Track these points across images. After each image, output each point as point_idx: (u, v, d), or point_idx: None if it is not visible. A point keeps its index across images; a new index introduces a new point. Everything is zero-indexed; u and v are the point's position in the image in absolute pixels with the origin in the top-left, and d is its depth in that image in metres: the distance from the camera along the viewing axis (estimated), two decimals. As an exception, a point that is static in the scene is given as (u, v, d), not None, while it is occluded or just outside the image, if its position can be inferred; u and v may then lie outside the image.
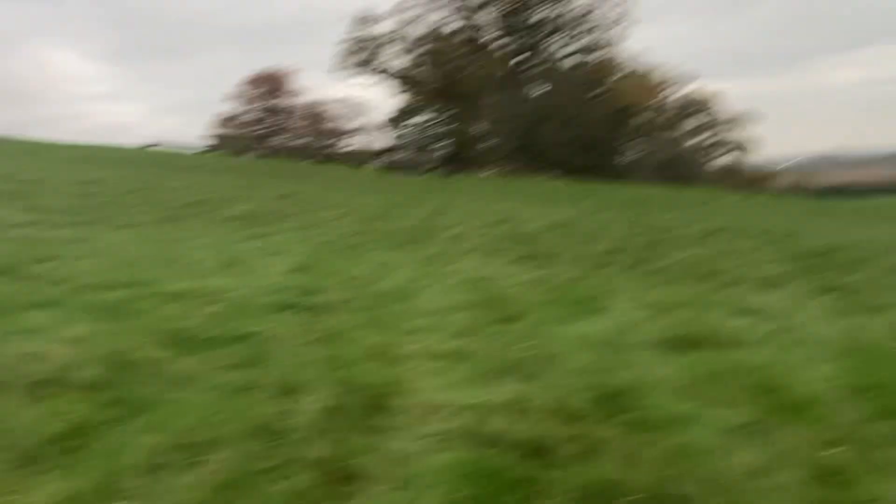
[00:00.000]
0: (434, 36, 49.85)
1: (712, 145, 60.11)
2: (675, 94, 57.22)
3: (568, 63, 50.91)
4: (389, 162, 35.10)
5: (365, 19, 49.72)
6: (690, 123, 60.06)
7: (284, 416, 2.78)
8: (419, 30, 50.82)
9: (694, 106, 58.76)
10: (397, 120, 59.01)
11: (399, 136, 61.41)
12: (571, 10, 48.93)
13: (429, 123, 61.50)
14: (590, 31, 49.24)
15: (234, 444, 2.51)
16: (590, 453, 2.67)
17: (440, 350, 4.01)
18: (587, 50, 50.24)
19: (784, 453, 2.84)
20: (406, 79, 51.89)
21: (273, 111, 70.50)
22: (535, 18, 49.40)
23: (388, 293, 5.94)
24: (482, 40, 50.53)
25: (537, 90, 47.31)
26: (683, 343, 4.76)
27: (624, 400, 3.39)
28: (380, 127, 66.70)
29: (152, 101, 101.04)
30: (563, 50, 51.21)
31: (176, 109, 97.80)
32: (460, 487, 2.29)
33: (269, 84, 69.16)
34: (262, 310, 4.91)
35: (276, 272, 7.03)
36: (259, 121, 70.68)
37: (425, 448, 2.62)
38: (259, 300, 5.20)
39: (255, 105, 70.27)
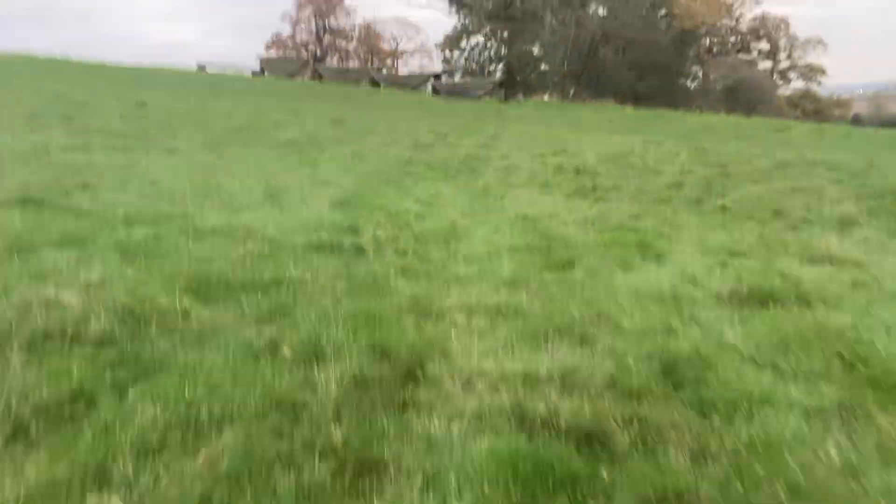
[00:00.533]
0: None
1: (780, 71, 57.16)
2: (742, 17, 54.25)
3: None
4: (444, 85, 34.21)
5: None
6: (758, 48, 57.07)
7: (305, 389, 2.46)
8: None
9: (761, 29, 55.69)
10: (452, 42, 57.64)
11: (454, 59, 60.15)
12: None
13: (484, 46, 60.06)
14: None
15: (244, 422, 2.21)
16: (653, 443, 2.29)
17: (485, 304, 3.63)
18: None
19: (882, 446, 2.41)
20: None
21: (327, 32, 69.80)
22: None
23: (434, 232, 5.56)
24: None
25: (597, 11, 45.13)
26: (753, 298, 4.27)
27: (690, 371, 2.98)
28: (434, 49, 65.74)
29: (207, 21, 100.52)
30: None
31: (230, 30, 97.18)
32: (501, 486, 1.94)
33: (324, 4, 68.23)
34: (298, 250, 4.59)
35: (319, 206, 6.72)
36: (312, 42, 70.13)
37: (462, 431, 2.27)
38: (296, 239, 4.89)
39: (308, 25, 69.73)
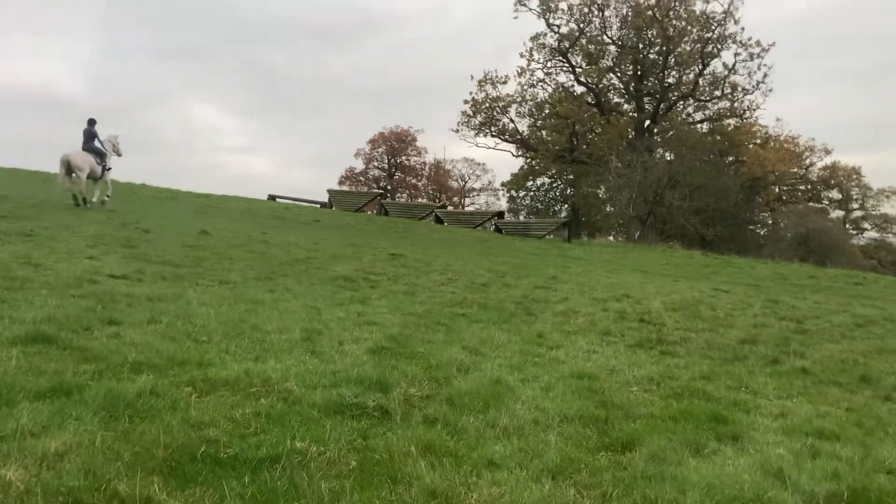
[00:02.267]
0: (558, 99, 49.21)
1: (853, 221, 55.74)
2: (812, 167, 53.71)
3: (700, 129, 48.93)
4: (507, 223, 34.32)
5: (487, 81, 49.74)
6: (828, 197, 56.07)
7: None
8: (543, 92, 50.41)
9: (832, 179, 54.88)
10: (518, 181, 58.72)
11: (518, 199, 61.06)
12: (706, 75, 47.04)
13: (549, 186, 60.94)
14: (724, 96, 47.08)
15: None
16: None
17: (521, 504, 2.92)
18: (720, 116, 48.10)
19: None
20: (527, 141, 51.42)
21: (396, 168, 72.38)
22: (667, 82, 47.82)
23: (474, 393, 4.90)
24: (609, 103, 49.46)
25: (667, 156, 45.45)
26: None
27: None
28: (500, 188, 67.11)
29: (283, 155, 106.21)
30: (695, 115, 49.37)
31: (307, 163, 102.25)
32: None
33: (395, 142, 71.20)
34: (314, 411, 4.00)
35: (355, 352, 6.20)
36: (383, 177, 72.64)
37: None
38: (316, 396, 4.31)
39: (379, 162, 72.55)
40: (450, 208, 47.79)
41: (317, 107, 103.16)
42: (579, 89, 50.11)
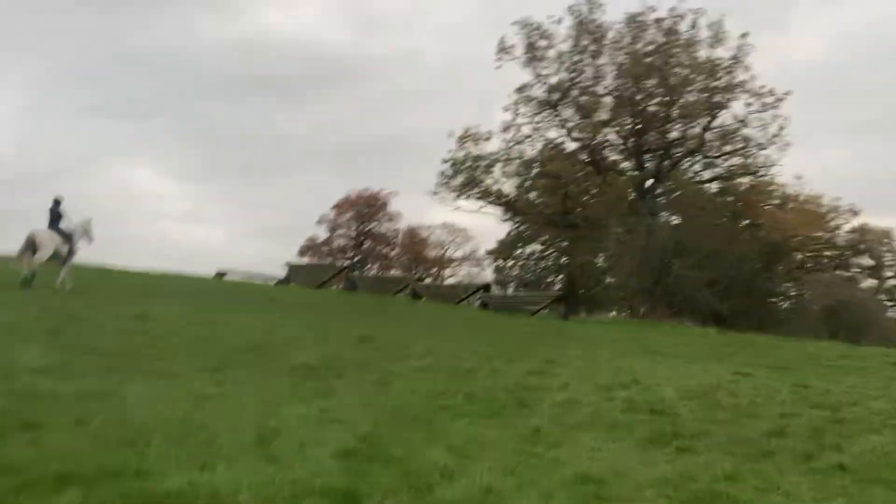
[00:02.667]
0: (549, 156, 50.08)
1: (888, 290, 56.34)
2: (839, 229, 54.52)
3: (710, 188, 49.76)
4: (494, 298, 34.42)
5: (469, 138, 50.59)
6: (858, 264, 56.79)
7: None
8: (531, 149, 51.30)
9: (861, 243, 55.66)
10: (505, 250, 59.20)
11: (506, 269, 61.41)
12: (715, 128, 48.12)
13: (542, 255, 61.45)
14: (736, 151, 48.10)
15: None
16: None
17: None
18: (732, 174, 49.06)
19: None
20: (516, 203, 52.01)
21: (366, 237, 72.77)
22: (671, 136, 48.86)
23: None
24: (606, 161, 50.42)
25: (673, 219, 46.07)
26: None
27: None
28: (485, 258, 67.54)
29: (235, 224, 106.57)
30: (703, 173, 50.32)
31: (259, 234, 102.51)
32: None
33: (364, 207, 71.81)
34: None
35: (319, 456, 6.12)
36: (350, 247, 72.89)
37: None
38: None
39: (346, 230, 72.96)
40: (428, 281, 48.02)
41: (272, 170, 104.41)
42: (572, 145, 51.15)
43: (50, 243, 20.10)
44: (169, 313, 16.52)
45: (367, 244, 73.32)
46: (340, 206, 71.70)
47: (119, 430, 6.32)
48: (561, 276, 58.00)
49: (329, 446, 6.57)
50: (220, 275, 35.73)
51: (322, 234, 72.39)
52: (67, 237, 20.61)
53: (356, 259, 67.83)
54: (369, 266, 71.71)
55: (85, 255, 22.92)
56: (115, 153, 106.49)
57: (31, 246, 19.83)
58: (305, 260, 66.92)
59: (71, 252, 20.92)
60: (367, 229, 72.98)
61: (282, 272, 37.07)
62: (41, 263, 20.05)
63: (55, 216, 20.82)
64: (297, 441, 6.69)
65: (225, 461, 5.63)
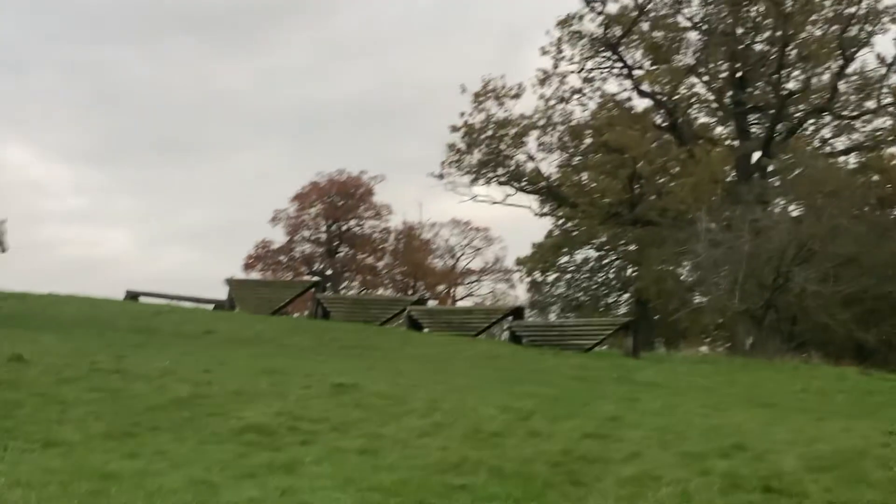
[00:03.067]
0: (607, 120, 50.05)
1: None
2: None
3: (845, 163, 49.38)
4: (529, 328, 34.31)
5: (489, 94, 50.53)
6: None
7: None
8: (582, 110, 51.30)
9: None
10: (544, 258, 59.19)
11: (546, 286, 61.32)
12: (851, 76, 47.77)
13: (598, 264, 61.35)
14: (882, 109, 47.83)
15: None
16: None
17: None
18: (878, 142, 48.83)
19: None
20: (560, 189, 52.05)
21: (341, 240, 72.99)
22: (785, 88, 48.56)
23: None
24: (692, 125, 50.34)
25: (792, 210, 45.74)
26: None
27: None
28: (515, 269, 67.28)
29: (150, 225, 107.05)
30: (835, 141, 50.03)
31: (186, 238, 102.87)
32: None
33: (338, 197, 72.09)
34: None
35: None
36: (319, 256, 73.08)
37: None
38: None
39: (313, 231, 73.15)
40: (432, 304, 47.95)
41: (204, 145, 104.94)
42: (641, 104, 51.15)
43: None
44: (57, 352, 16.57)
45: (343, 251, 73.65)
46: (304, 198, 72.10)
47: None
48: (627, 295, 58.11)
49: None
50: (133, 296, 35.76)
51: (278, 237, 72.86)
52: None
53: (327, 273, 68.05)
54: (347, 283, 72.03)
55: None
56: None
57: None
58: (255, 275, 67.19)
59: None
60: (342, 229, 73.34)
61: (221, 293, 37.07)
62: None
63: None
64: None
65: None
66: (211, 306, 36.51)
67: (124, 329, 24.99)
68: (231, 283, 37.73)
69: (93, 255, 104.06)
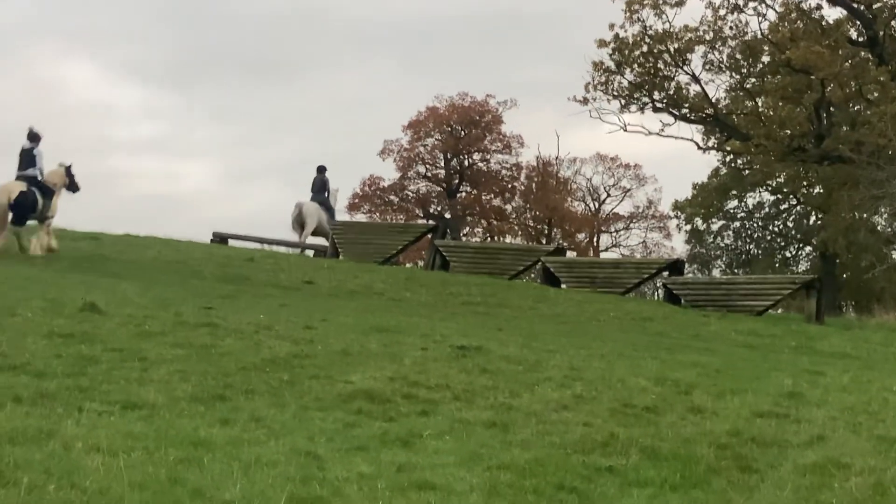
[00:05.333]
0: (790, 34, 49.01)
1: None
2: None
3: None
4: (687, 285, 34.04)
5: (646, 2, 49.75)
6: None
7: None
8: (758, 21, 50.32)
9: None
10: (709, 202, 58.43)
11: (710, 236, 60.63)
12: None
13: (775, 210, 60.37)
14: None
15: None
16: None
17: None
18: None
19: None
20: (730, 119, 51.30)
21: (463, 177, 72.97)
22: None
23: None
24: (893, 42, 49.03)
25: None
26: None
27: None
28: (672, 216, 66.53)
29: (239, 158, 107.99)
30: None
31: (280, 173, 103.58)
32: None
33: (460, 126, 71.94)
34: None
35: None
36: (437, 196, 73.27)
37: None
38: None
39: (429, 166, 73.25)
40: (571, 255, 47.86)
41: (297, 65, 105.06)
42: (832, 13, 49.96)
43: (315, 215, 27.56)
44: (137, 302, 16.99)
45: (464, 190, 73.76)
46: (419, 126, 72.13)
47: (63, 495, 6.63)
48: (809, 249, 57.23)
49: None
50: (221, 239, 36.40)
51: (388, 173, 73.15)
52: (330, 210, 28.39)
53: (446, 216, 68.24)
54: (469, 228, 72.21)
55: None
56: (28, 33, 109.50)
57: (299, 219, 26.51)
58: (361, 217, 67.60)
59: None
60: (464, 165, 73.40)
61: (322, 238, 37.49)
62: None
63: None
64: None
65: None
66: (311, 252, 37.01)
67: (212, 277, 25.51)
68: (334, 226, 38.09)
69: (170, 190, 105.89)
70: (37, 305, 15.69)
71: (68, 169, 27.10)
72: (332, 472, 8.21)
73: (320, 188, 28.99)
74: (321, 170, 29.36)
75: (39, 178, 26.11)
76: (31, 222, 26.11)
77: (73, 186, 27.27)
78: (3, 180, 25.18)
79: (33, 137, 26.36)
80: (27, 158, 26.08)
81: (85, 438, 8.29)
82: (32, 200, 25.54)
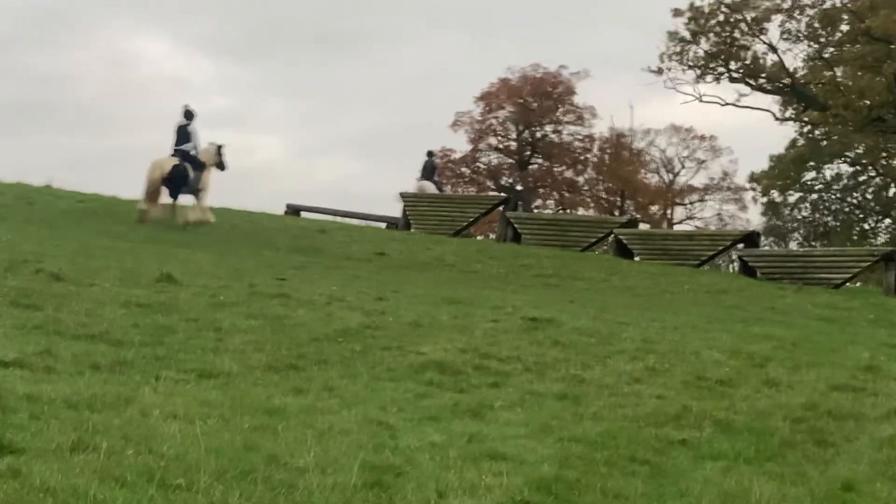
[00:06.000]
0: (867, 2, 48.35)
1: None
2: None
3: None
4: (764, 257, 33.78)
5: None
6: None
7: None
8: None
9: None
10: (785, 173, 57.90)
11: (787, 208, 60.02)
12: None
13: (854, 181, 59.69)
14: None
15: None
16: None
17: None
18: None
19: None
20: (807, 89, 50.76)
21: (534, 149, 72.82)
22: None
23: None
24: None
25: None
26: None
27: None
28: (748, 187, 65.99)
29: (311, 131, 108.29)
30: None
31: (352, 146, 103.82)
32: None
33: (532, 97, 71.76)
34: None
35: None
36: (509, 168, 73.17)
37: None
38: None
39: (501, 138, 73.17)
40: (644, 227, 47.68)
41: (367, 38, 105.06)
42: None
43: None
44: (211, 273, 17.21)
45: (536, 162, 73.64)
46: (491, 98, 72.03)
47: (141, 459, 6.76)
48: (888, 221, 56.52)
49: (486, 497, 6.81)
50: (294, 211, 36.68)
51: (459, 145, 73.10)
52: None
53: (518, 188, 68.17)
54: (541, 200, 72.08)
55: (65, 175, 24.67)
56: (104, 5, 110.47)
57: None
58: (432, 189, 67.44)
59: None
60: (536, 136, 73.20)
61: (393, 209, 37.68)
62: None
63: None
64: (433, 487, 6.97)
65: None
66: (383, 224, 37.18)
67: (285, 248, 25.76)
68: (406, 198, 38.17)
69: (242, 163, 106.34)
70: (114, 276, 15.94)
71: (219, 148, 29.61)
72: (403, 440, 8.30)
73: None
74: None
75: (193, 152, 28.82)
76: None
77: (221, 165, 29.61)
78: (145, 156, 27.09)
79: (188, 115, 29.31)
80: (182, 134, 28.97)
81: (162, 406, 8.47)
82: (184, 174, 28.22)
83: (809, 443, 9.94)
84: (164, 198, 28.64)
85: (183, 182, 28.31)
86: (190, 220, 28.13)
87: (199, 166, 28.65)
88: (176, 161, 28.23)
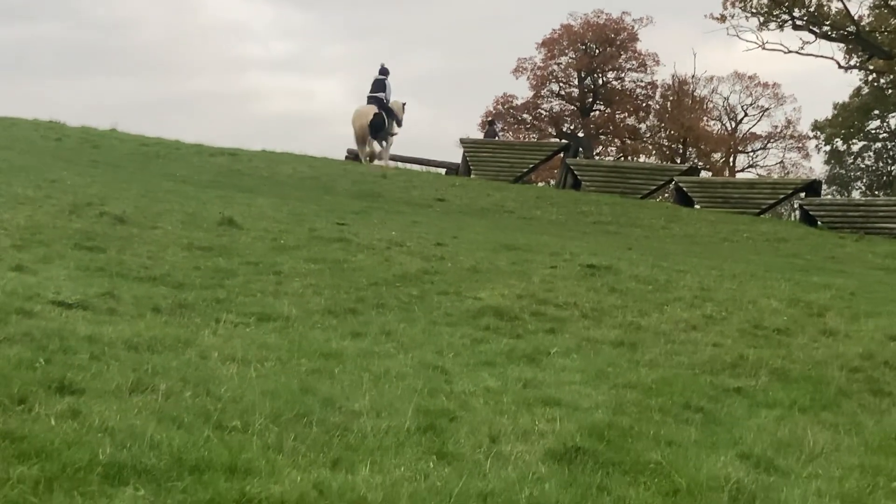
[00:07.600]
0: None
1: None
2: None
3: None
4: (826, 207, 33.47)
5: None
6: None
7: None
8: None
9: None
10: (846, 121, 57.30)
11: (850, 157, 59.47)
12: None
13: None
14: None
15: None
16: None
17: None
18: None
19: None
20: (872, 37, 50.05)
21: (596, 96, 72.46)
22: None
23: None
24: None
25: None
26: None
27: None
28: (811, 136, 65.41)
29: (364, 76, 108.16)
30: None
31: (411, 91, 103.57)
32: None
33: (594, 44, 71.34)
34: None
35: (525, 455, 6.47)
36: (570, 115, 72.91)
37: None
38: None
39: (563, 85, 72.83)
40: (705, 175, 47.42)
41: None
42: None
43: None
44: (272, 217, 17.28)
45: (598, 109, 73.29)
46: (553, 44, 71.73)
47: (200, 401, 6.85)
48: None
49: (539, 443, 6.82)
50: (355, 156, 36.74)
51: (521, 91, 72.90)
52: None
53: (579, 135, 67.90)
54: (602, 147, 71.84)
55: (129, 119, 24.89)
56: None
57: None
58: (372, 111, 67.07)
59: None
60: (598, 83, 72.85)
61: (453, 155, 37.69)
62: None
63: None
64: (486, 432, 7.01)
65: (369, 457, 5.99)
66: (443, 170, 37.17)
67: (345, 193, 25.79)
68: (466, 144, 38.15)
69: (303, 109, 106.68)
70: (177, 219, 16.05)
71: (403, 105, 35.70)
72: (458, 385, 8.36)
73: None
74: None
75: (386, 101, 34.55)
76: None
77: (399, 121, 35.35)
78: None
79: (384, 71, 35.41)
80: (378, 84, 34.99)
81: (221, 348, 8.56)
82: (381, 121, 34.05)
83: (866, 392, 9.93)
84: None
85: (380, 128, 34.03)
86: (377, 159, 34.18)
87: (391, 114, 34.50)
88: (375, 109, 33.75)
